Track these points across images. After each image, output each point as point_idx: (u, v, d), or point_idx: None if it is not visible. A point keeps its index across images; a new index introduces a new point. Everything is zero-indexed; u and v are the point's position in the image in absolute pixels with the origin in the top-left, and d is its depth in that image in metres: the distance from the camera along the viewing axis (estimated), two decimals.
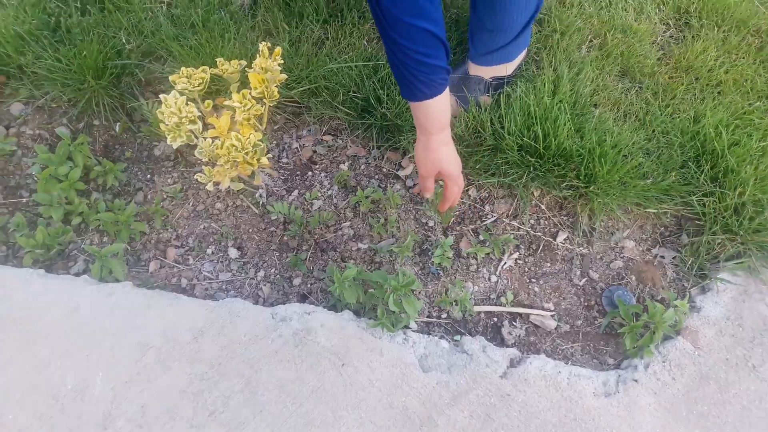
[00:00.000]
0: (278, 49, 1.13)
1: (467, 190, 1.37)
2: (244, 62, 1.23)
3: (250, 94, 1.16)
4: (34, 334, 1.12)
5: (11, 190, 1.38)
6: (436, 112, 1.04)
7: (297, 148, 1.46)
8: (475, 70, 1.41)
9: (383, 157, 1.44)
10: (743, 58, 1.50)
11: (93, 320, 1.14)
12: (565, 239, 1.30)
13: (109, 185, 1.35)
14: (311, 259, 1.29)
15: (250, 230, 1.33)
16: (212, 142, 1.15)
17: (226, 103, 1.17)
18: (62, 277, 1.20)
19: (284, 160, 1.45)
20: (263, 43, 1.13)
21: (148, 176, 1.42)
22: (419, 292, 1.23)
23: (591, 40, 1.53)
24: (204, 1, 1.57)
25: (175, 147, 1.09)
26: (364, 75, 1.46)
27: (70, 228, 1.29)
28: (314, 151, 1.46)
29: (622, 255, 1.28)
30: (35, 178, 1.36)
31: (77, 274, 1.25)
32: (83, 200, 1.32)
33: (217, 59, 1.22)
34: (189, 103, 1.08)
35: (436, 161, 1.10)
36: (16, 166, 1.41)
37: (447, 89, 1.03)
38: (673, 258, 1.27)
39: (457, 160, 1.14)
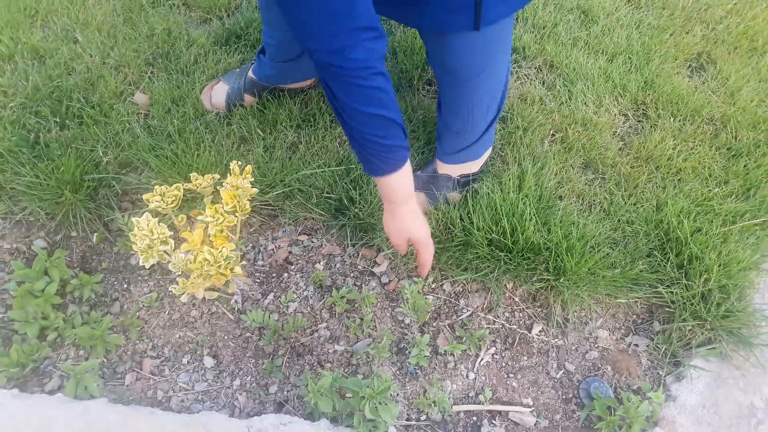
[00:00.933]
0: (248, 168, 1.28)
1: (442, 285, 1.49)
2: (217, 176, 1.38)
3: (222, 208, 1.30)
4: None
5: None
6: (399, 185, 1.17)
7: (273, 249, 1.59)
8: (443, 168, 1.57)
9: (358, 255, 1.57)
10: (699, 145, 1.69)
11: None
12: (540, 331, 1.40)
13: (86, 298, 1.46)
14: (287, 364, 1.38)
15: (226, 337, 1.43)
16: (185, 256, 1.27)
17: (200, 218, 1.30)
18: (36, 396, 1.27)
19: (260, 262, 1.57)
20: (234, 162, 1.28)
21: (125, 286, 1.53)
22: (397, 394, 1.31)
23: (553, 135, 1.72)
24: (180, 111, 1.75)
25: (147, 266, 1.21)
26: (337, 176, 1.62)
27: (45, 344, 1.38)
28: (290, 252, 1.59)
29: (596, 345, 1.39)
30: (11, 294, 1.46)
31: (52, 391, 1.32)
32: (60, 314, 1.42)
33: (191, 174, 1.37)
34: (160, 224, 1.21)
35: (403, 230, 1.22)
36: None
37: (408, 163, 1.16)
38: (646, 346, 1.38)
39: (424, 225, 1.25)
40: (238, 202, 1.30)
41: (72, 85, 1.81)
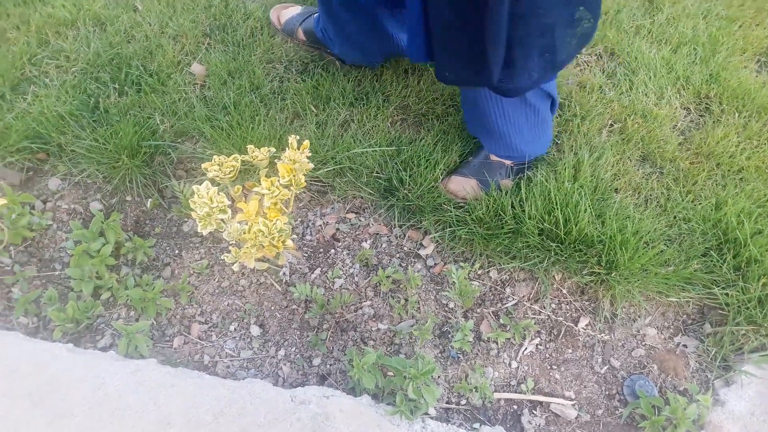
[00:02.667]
0: (306, 143, 1.28)
1: (488, 272, 1.47)
2: (273, 149, 1.39)
3: (278, 181, 1.30)
4: (61, 410, 1.22)
5: (45, 262, 1.53)
6: None
7: (321, 225, 1.60)
8: (497, 158, 1.54)
9: (405, 236, 1.56)
10: (765, 144, 1.61)
11: (117, 397, 1.24)
12: (586, 325, 1.38)
13: (139, 261, 1.49)
14: (331, 338, 1.39)
15: (273, 307, 1.45)
16: (240, 226, 1.29)
17: (255, 189, 1.31)
18: (90, 352, 1.32)
19: (308, 237, 1.58)
20: (292, 136, 1.28)
21: (176, 251, 1.56)
22: (438, 377, 1.31)
23: (611, 125, 1.67)
24: (236, 84, 1.76)
25: (205, 233, 1.23)
26: (387, 156, 1.61)
27: (99, 302, 1.42)
28: (337, 229, 1.59)
29: (643, 343, 1.35)
30: (69, 253, 1.51)
31: (104, 348, 1.37)
32: (113, 275, 1.46)
33: (248, 146, 1.37)
34: (220, 193, 1.22)
35: None
36: (50, 240, 1.56)
37: None
38: (696, 347, 1.34)
39: None
40: (294, 176, 1.30)
41: (131, 52, 1.84)
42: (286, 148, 1.29)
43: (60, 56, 1.83)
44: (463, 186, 1.53)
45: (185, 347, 1.39)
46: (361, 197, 1.61)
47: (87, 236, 1.48)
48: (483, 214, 1.47)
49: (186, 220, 1.61)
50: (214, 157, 1.32)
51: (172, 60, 1.82)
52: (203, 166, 1.31)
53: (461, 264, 1.46)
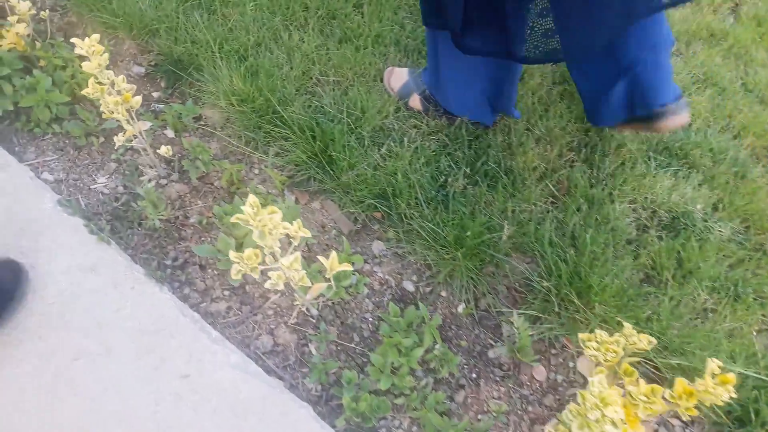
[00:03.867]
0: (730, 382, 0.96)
1: None
2: (653, 341, 1.10)
3: (663, 393, 1.01)
4: None
5: (345, 328, 1.41)
6: None
7: None
8: None
9: None
10: None
11: None
12: None
13: (441, 375, 1.31)
14: None
15: None
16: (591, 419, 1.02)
17: (630, 388, 1.03)
18: None
19: None
20: (713, 360, 0.97)
21: (474, 376, 1.35)
22: None
23: None
24: (591, 216, 1.51)
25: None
26: (751, 380, 1.23)
27: (389, 404, 1.26)
28: None
29: None
30: (371, 330, 1.38)
31: None
32: (411, 380, 1.29)
33: (626, 326, 1.10)
34: (615, 407, 0.95)
35: None
36: (357, 304, 1.45)
37: None
38: None
39: None
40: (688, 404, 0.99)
41: (492, 140, 1.68)
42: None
43: (423, 120, 1.74)
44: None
45: None
46: (702, 418, 1.25)
47: (401, 325, 1.33)
48: None
49: (493, 345, 1.39)
50: (597, 331, 1.07)
51: (529, 164, 1.63)
52: (581, 336, 1.07)
53: None
